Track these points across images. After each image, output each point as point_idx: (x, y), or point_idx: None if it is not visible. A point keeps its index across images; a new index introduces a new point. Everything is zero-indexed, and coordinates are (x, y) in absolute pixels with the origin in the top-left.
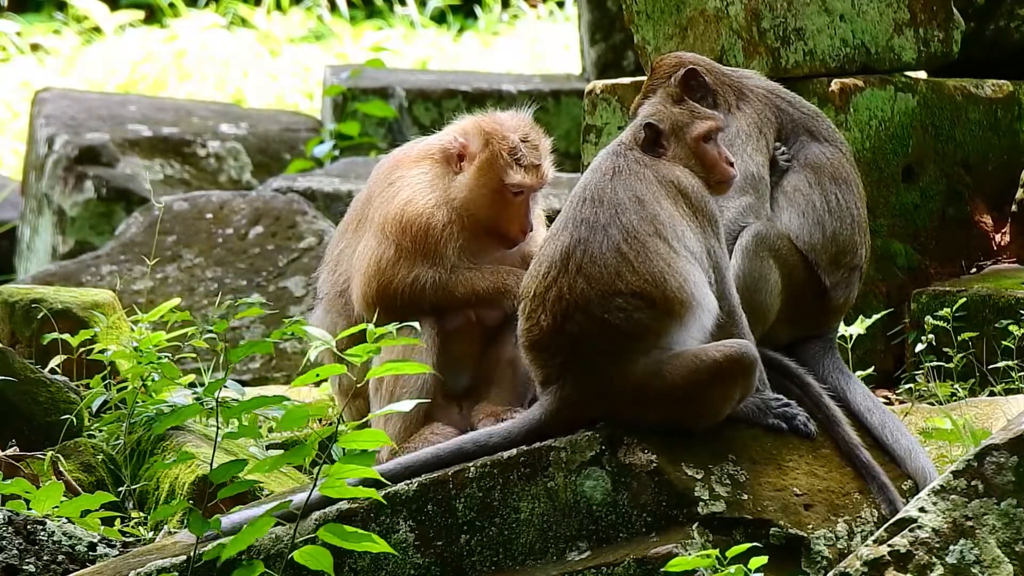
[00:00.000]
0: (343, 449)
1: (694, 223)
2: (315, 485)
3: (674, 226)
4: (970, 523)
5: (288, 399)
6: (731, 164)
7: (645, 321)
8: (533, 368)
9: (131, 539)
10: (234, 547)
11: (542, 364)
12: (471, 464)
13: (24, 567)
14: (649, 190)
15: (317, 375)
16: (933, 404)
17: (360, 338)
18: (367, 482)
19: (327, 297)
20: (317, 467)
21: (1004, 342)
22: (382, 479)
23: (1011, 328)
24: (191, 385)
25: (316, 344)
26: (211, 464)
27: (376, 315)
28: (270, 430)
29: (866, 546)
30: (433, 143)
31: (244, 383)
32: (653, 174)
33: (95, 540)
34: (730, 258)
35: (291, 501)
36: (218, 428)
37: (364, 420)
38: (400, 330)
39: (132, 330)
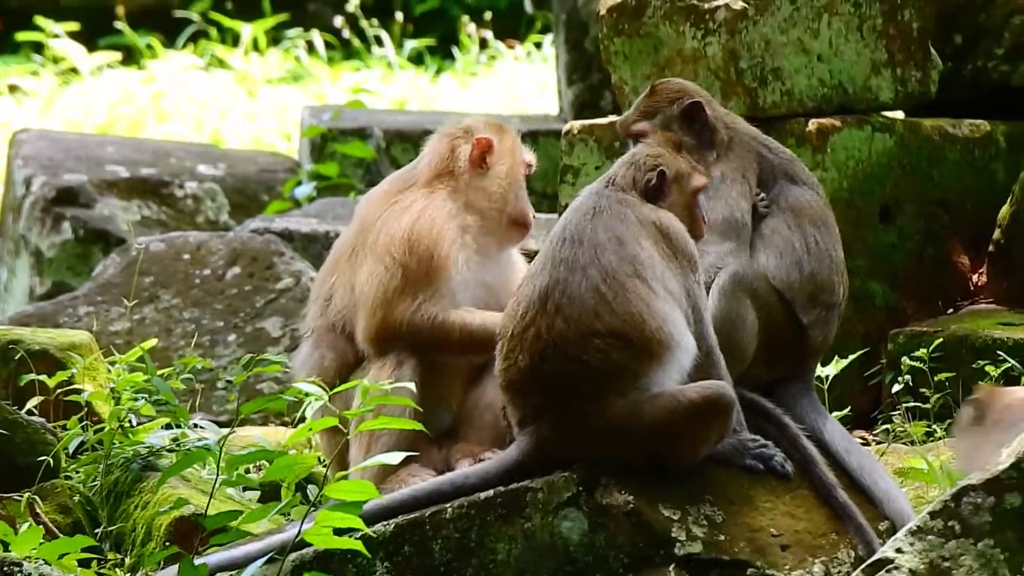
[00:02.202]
0: (322, 493)
1: (674, 263)
2: (299, 532)
3: (654, 267)
4: (947, 564)
5: (283, 452)
6: (706, 223)
7: (623, 361)
8: (510, 408)
9: None
10: None
11: (519, 404)
12: (448, 505)
13: None
14: (629, 230)
15: (311, 429)
16: (910, 444)
17: (348, 375)
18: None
19: (317, 331)
20: (305, 512)
21: (981, 383)
22: (364, 527)
23: (988, 369)
24: (167, 426)
25: (311, 400)
26: (205, 512)
27: (379, 348)
28: (246, 471)
29: None
30: (441, 158)
31: (220, 424)
32: (634, 214)
33: None
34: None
35: (274, 547)
36: (217, 476)
37: (347, 472)
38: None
39: (109, 371)
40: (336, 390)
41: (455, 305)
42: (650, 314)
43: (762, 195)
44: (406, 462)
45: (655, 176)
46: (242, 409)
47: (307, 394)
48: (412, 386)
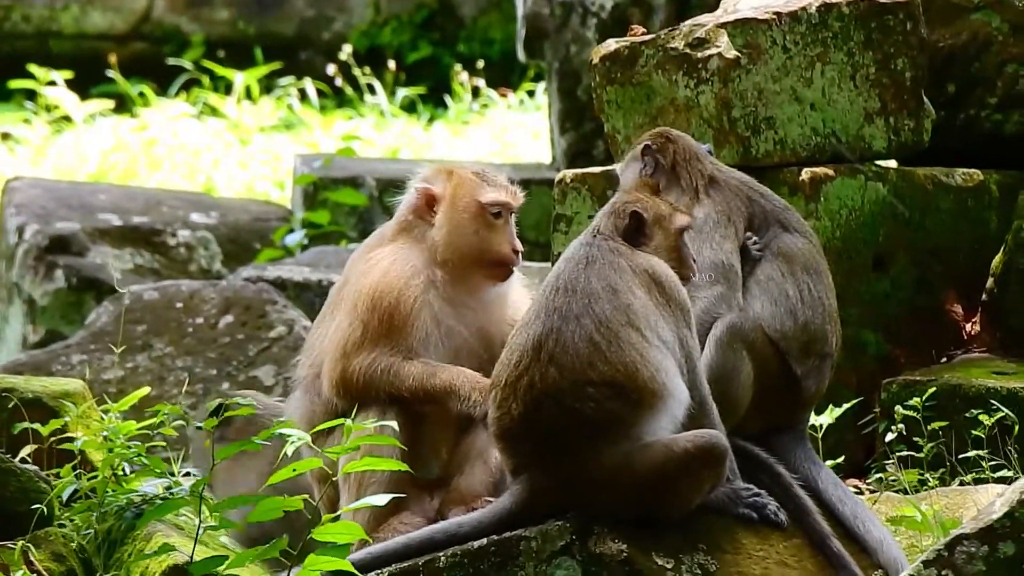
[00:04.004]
0: (310, 537)
1: (667, 312)
2: None
3: (647, 316)
4: None
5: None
6: (694, 262)
7: (616, 410)
8: (504, 456)
9: None
10: None
11: (512, 453)
12: (441, 554)
13: None
14: (623, 279)
15: (294, 470)
16: (904, 493)
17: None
18: (339, 574)
19: (305, 380)
20: (292, 559)
21: (974, 431)
22: (354, 571)
23: (981, 418)
24: (161, 474)
25: (291, 440)
26: (191, 558)
27: (342, 399)
28: None
29: None
30: (400, 213)
31: None
32: (627, 263)
33: None
34: (702, 348)
35: None
36: (200, 522)
37: (336, 514)
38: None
39: (102, 419)
40: (317, 429)
41: (424, 357)
42: (644, 363)
43: (754, 238)
44: (398, 511)
45: (628, 218)
46: (219, 454)
47: (288, 436)
48: (395, 424)
